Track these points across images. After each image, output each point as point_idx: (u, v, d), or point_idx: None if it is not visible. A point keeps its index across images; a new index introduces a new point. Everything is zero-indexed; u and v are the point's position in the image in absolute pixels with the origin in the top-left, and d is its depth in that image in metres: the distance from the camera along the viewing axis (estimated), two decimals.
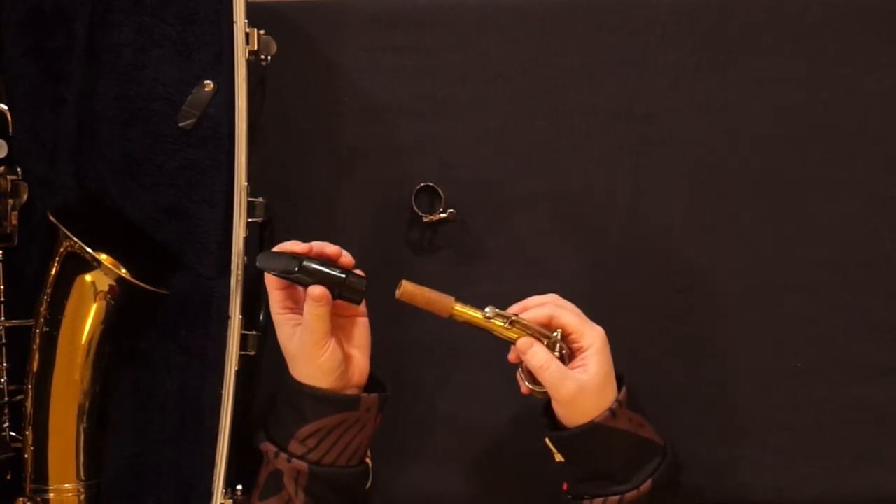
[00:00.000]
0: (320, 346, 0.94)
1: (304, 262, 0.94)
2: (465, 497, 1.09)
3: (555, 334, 0.96)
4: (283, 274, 0.94)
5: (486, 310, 0.96)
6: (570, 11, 1.09)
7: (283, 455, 0.96)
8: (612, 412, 0.94)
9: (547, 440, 0.97)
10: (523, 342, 0.95)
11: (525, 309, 0.97)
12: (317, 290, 0.93)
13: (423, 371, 1.09)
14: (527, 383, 0.97)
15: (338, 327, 0.97)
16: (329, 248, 0.96)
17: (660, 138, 1.09)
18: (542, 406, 1.00)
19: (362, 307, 0.99)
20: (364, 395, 0.97)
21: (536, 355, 0.94)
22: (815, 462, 1.08)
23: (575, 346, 0.96)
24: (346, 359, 0.97)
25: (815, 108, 1.08)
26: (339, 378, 0.96)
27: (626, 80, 1.09)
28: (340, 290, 0.94)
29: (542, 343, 0.95)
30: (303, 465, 0.95)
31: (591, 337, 0.96)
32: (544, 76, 1.09)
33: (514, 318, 0.96)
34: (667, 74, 1.08)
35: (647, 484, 0.94)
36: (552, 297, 0.98)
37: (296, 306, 0.96)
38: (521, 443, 1.07)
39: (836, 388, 1.08)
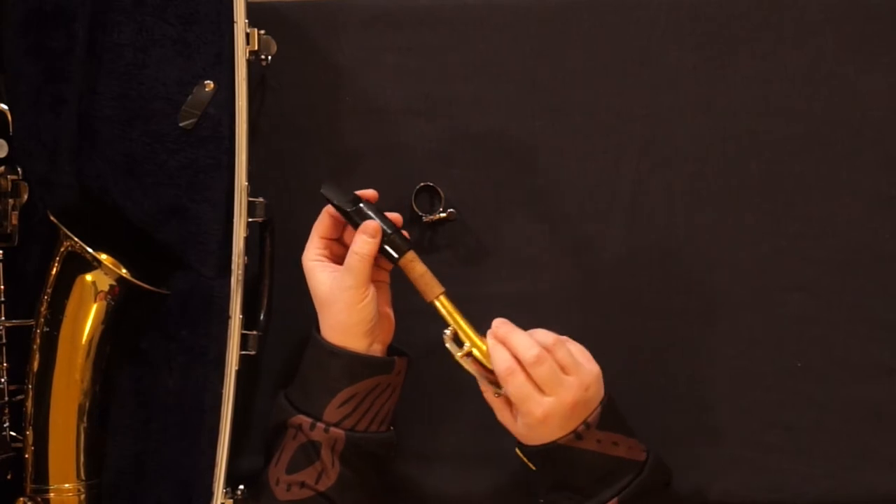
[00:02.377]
0: (362, 291, 0.95)
1: (362, 205, 0.97)
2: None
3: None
4: (339, 207, 0.97)
5: (445, 331, 0.95)
6: (570, 11, 1.09)
7: (320, 425, 0.96)
8: (577, 434, 0.93)
9: (517, 450, 0.98)
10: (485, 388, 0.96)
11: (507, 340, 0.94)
12: (371, 224, 0.95)
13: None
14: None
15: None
16: (393, 215, 0.99)
17: (660, 138, 1.09)
18: None
19: (386, 276, 1.01)
20: (396, 357, 0.98)
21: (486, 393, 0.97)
22: (815, 462, 1.08)
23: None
24: (379, 313, 0.98)
25: (815, 108, 1.08)
26: (370, 332, 0.96)
27: (626, 80, 1.09)
28: (385, 243, 0.96)
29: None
30: (340, 433, 0.95)
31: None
32: (544, 76, 1.09)
33: (463, 354, 0.95)
34: (667, 74, 1.08)
35: (613, 502, 0.94)
36: (555, 339, 0.94)
37: (332, 256, 0.98)
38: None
39: (836, 388, 1.08)
